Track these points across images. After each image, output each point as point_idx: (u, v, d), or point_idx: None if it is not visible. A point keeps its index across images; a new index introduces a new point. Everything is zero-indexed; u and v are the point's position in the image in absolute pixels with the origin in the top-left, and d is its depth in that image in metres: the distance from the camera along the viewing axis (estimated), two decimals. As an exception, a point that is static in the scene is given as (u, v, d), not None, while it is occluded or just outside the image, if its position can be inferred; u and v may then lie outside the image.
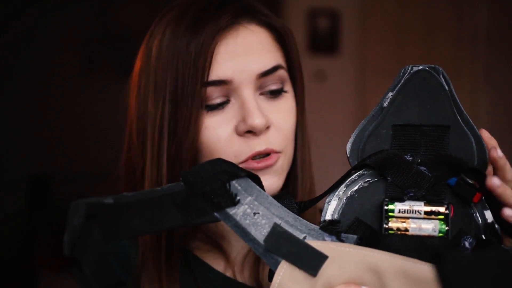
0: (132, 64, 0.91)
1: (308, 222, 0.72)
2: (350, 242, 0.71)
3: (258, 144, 0.84)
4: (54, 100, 3.93)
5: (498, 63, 3.28)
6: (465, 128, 0.74)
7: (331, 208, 0.73)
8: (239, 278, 0.90)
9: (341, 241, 0.71)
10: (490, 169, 0.74)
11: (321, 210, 0.75)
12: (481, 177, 0.72)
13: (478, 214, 0.72)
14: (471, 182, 0.73)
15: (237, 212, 0.71)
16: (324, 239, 0.71)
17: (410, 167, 0.72)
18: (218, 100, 0.85)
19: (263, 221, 0.71)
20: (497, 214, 0.71)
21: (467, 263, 0.61)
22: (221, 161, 0.74)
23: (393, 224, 0.71)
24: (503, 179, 0.72)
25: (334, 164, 1.90)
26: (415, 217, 0.71)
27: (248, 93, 0.85)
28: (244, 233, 0.71)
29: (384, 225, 0.71)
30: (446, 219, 0.71)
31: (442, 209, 0.71)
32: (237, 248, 0.91)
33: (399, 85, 0.75)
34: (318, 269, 0.68)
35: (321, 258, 0.68)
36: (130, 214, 0.70)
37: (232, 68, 0.84)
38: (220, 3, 0.87)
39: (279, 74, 0.87)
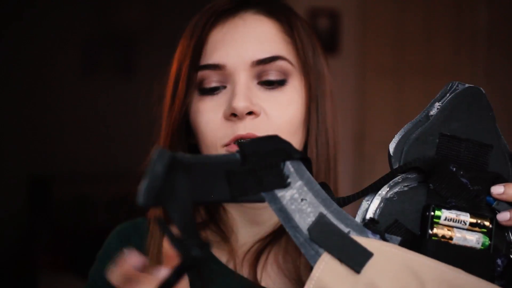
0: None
1: (351, 217, 0.70)
2: (394, 243, 0.69)
3: (241, 128, 0.84)
4: (55, 100, 3.92)
5: (498, 64, 3.28)
6: (504, 152, 0.75)
7: (373, 207, 0.72)
8: (239, 272, 0.91)
9: (386, 240, 0.69)
10: None
11: None
12: None
13: (510, 233, 0.73)
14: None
15: (285, 195, 0.68)
16: (368, 237, 0.69)
17: (455, 178, 0.72)
18: (212, 85, 0.86)
19: (309, 209, 0.68)
20: None
21: None
22: (278, 138, 0.71)
23: (438, 230, 0.70)
24: None
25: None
26: (459, 227, 0.71)
27: (240, 78, 0.85)
28: (287, 219, 0.68)
29: (429, 231, 0.70)
30: (489, 233, 0.71)
31: (487, 223, 0.71)
32: (241, 243, 0.92)
33: (450, 96, 0.75)
34: (363, 265, 0.66)
35: (366, 255, 0.66)
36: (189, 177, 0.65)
37: (227, 54, 0.86)
38: None
39: (280, 65, 0.87)
